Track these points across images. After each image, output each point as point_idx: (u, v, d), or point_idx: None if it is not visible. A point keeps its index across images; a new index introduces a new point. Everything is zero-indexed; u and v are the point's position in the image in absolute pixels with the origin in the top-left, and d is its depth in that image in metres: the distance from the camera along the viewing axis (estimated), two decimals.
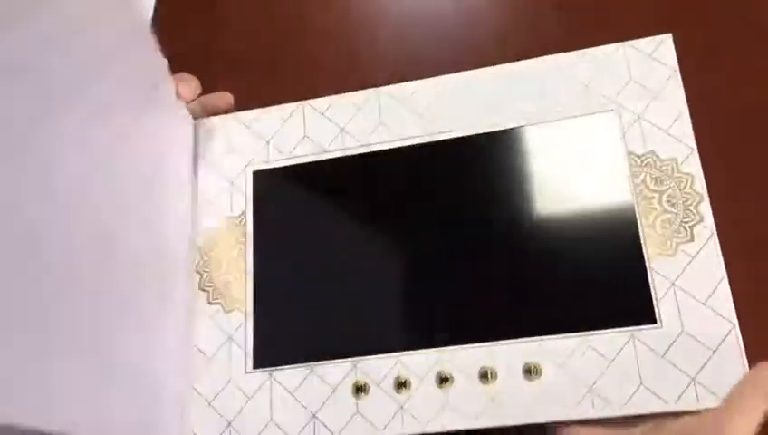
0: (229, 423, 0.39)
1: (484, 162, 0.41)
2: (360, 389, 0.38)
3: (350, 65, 0.55)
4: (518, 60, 0.42)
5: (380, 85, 0.44)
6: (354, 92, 0.44)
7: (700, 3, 0.51)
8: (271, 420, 0.38)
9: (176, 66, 0.43)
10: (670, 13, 0.50)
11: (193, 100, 0.44)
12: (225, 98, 0.46)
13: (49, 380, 0.30)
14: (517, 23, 0.55)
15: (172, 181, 0.43)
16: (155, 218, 0.41)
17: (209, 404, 0.39)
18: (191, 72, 0.45)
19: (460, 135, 0.41)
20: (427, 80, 0.43)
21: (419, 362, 0.38)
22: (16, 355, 0.28)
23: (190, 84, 0.43)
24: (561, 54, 0.42)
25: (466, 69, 0.43)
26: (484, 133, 0.41)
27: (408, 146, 0.42)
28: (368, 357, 0.38)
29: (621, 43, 0.41)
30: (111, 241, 0.37)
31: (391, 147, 0.42)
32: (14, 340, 0.28)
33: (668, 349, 0.35)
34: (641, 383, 0.35)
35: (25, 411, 0.27)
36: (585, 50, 0.41)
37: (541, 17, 0.54)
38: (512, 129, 0.41)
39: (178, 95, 0.43)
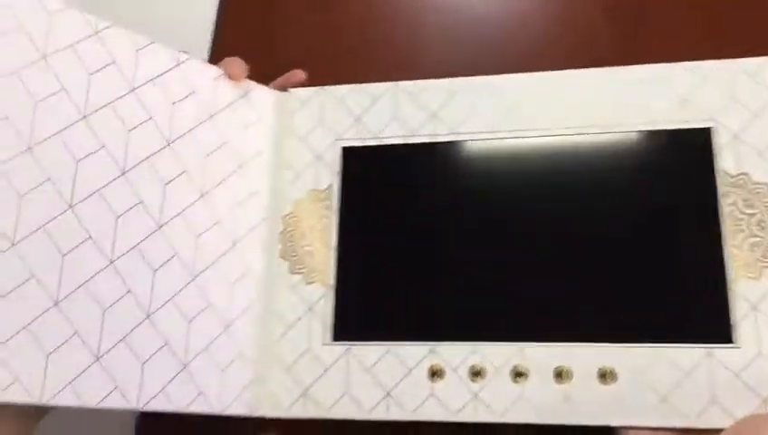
0: (306, 391, 0.40)
1: (574, 163, 0.41)
2: (435, 373, 0.39)
3: (397, 66, 0.55)
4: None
5: None
6: (450, 79, 0.44)
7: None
8: (346, 392, 0.40)
9: None
10: (711, 20, 0.50)
11: (244, 77, 0.45)
12: (298, 75, 0.48)
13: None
14: (566, 25, 0.55)
15: (247, 151, 0.44)
16: (229, 187, 0.43)
17: (287, 370, 0.41)
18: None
19: (552, 134, 0.42)
20: (523, 74, 0.43)
21: (496, 354, 0.39)
22: None
23: (239, 66, 0.45)
24: (661, 64, 0.42)
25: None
26: (576, 135, 0.42)
27: (499, 139, 0.42)
28: (445, 343, 0.40)
29: (726, 60, 0.41)
30: (199, 204, 0.41)
31: (482, 138, 0.43)
32: None
33: (743, 369, 0.36)
34: (714, 399, 0.36)
35: None
36: (688, 62, 0.41)
37: (590, 20, 0.54)
38: (603, 133, 0.41)
39: (230, 76, 0.44)
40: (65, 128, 0.37)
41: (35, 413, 0.37)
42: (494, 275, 0.40)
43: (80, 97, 0.38)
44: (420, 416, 0.39)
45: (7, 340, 0.34)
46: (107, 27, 0.39)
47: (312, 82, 0.47)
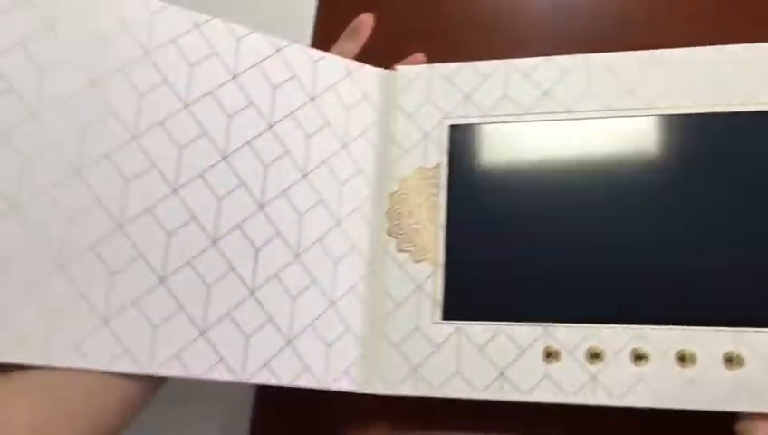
0: (415, 369, 0.40)
1: (695, 143, 0.40)
2: (550, 354, 0.39)
3: (502, 47, 0.54)
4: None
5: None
6: (563, 56, 0.43)
7: None
8: (457, 371, 0.39)
9: None
10: None
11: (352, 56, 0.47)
12: (418, 59, 0.48)
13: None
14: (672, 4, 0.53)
15: (352, 130, 0.44)
16: (333, 166, 0.43)
17: (396, 348, 0.41)
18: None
19: (671, 113, 0.41)
20: (642, 52, 0.42)
21: (615, 336, 0.38)
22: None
23: (349, 45, 0.47)
24: None
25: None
26: (697, 114, 0.40)
27: (615, 118, 0.41)
28: (561, 324, 0.39)
29: None
30: (302, 184, 0.42)
31: (597, 117, 0.42)
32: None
33: None
34: None
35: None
36: None
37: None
38: (725, 113, 0.40)
39: (344, 54, 0.46)
40: (168, 117, 0.39)
41: (147, 384, 0.37)
42: (613, 254, 0.40)
43: (181, 87, 0.40)
44: (535, 397, 0.38)
45: (117, 313, 0.36)
46: (207, 21, 0.41)
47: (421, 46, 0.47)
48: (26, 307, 0.34)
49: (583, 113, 0.42)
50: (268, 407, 0.48)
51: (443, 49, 0.48)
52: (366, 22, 0.48)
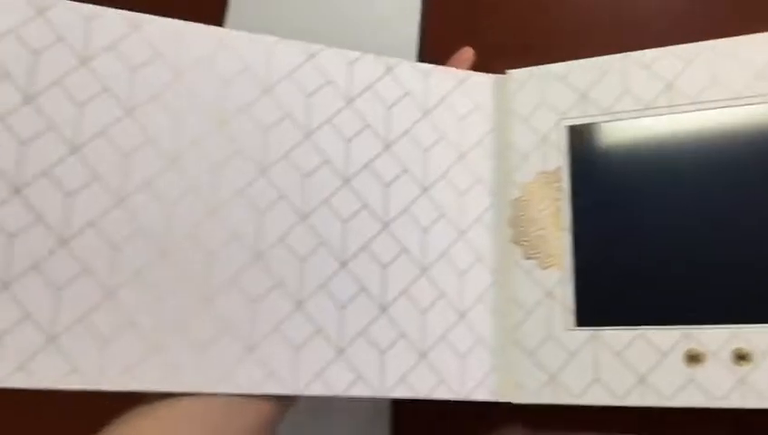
0: (553, 377, 0.40)
1: None
2: (693, 357, 0.38)
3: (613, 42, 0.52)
4: None
5: None
6: (684, 45, 0.41)
7: None
8: (596, 378, 0.39)
9: None
10: None
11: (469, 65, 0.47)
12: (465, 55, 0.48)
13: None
14: None
15: (468, 140, 0.45)
16: (452, 178, 0.44)
17: (530, 357, 0.41)
18: None
19: None
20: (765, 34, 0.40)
21: (763, 336, 0.36)
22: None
23: (462, 60, 0.47)
24: None
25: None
26: None
27: (746, 106, 0.39)
28: (703, 326, 0.38)
29: None
30: (422, 199, 0.43)
31: (726, 106, 0.40)
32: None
33: None
34: None
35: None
36: None
37: None
38: None
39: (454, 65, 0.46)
40: (291, 149, 0.41)
41: (284, 399, 0.39)
42: (754, 248, 0.38)
43: (301, 119, 0.41)
44: (679, 402, 0.37)
45: (262, 340, 0.38)
46: (321, 50, 0.42)
47: (522, 65, 0.46)
48: (177, 340, 0.37)
49: (711, 103, 0.40)
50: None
51: (548, 50, 0.47)
52: (466, 57, 0.48)
